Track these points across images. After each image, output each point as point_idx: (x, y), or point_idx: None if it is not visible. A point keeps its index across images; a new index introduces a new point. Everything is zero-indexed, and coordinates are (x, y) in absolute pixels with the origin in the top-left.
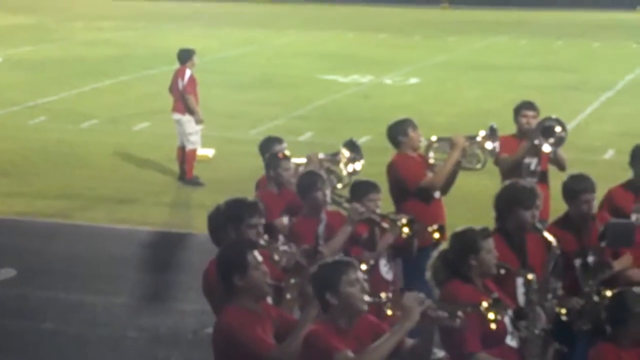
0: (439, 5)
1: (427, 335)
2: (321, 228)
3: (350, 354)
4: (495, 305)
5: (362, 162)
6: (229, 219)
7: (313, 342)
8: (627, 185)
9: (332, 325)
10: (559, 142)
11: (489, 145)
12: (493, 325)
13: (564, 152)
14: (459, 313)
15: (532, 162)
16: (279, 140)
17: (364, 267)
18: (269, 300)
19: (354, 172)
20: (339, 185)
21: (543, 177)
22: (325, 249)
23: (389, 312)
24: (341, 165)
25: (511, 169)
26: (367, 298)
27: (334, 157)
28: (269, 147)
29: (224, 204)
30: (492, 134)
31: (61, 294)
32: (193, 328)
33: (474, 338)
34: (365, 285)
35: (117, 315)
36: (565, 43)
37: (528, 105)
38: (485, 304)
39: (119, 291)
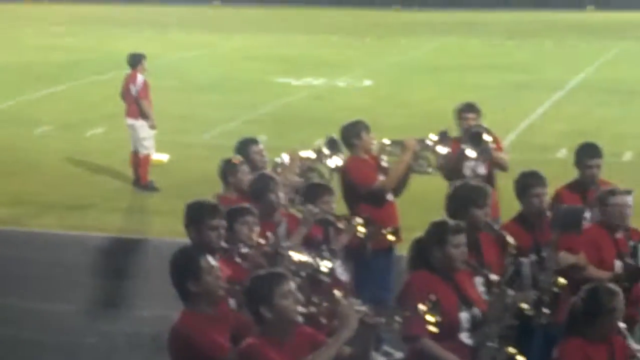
0: (391, 8)
1: (364, 341)
2: (282, 230)
3: None
4: (433, 309)
5: (342, 156)
6: (190, 221)
7: (250, 356)
8: (573, 186)
9: (268, 339)
10: (485, 150)
11: (441, 149)
12: (433, 329)
13: (505, 154)
14: (397, 318)
15: (475, 165)
16: (254, 141)
17: (329, 264)
18: (232, 302)
19: (337, 167)
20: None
21: (488, 180)
22: (284, 251)
23: (324, 321)
24: (324, 162)
25: (451, 173)
26: (300, 309)
27: (317, 155)
28: (245, 148)
29: (185, 208)
30: (443, 138)
31: (15, 301)
32: (151, 334)
33: (421, 323)
34: (299, 296)
35: (73, 322)
36: (516, 43)
37: (467, 107)
38: (423, 307)
39: (74, 298)
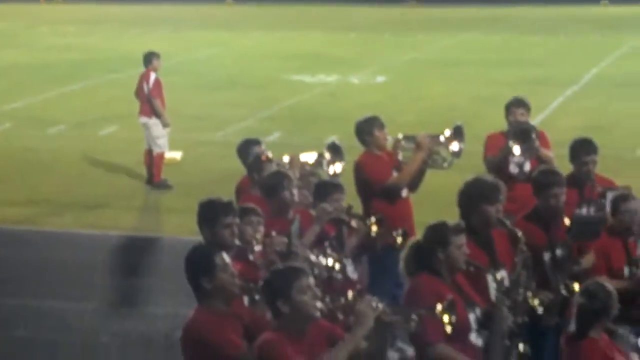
0: (407, 3)
1: (380, 338)
2: (295, 227)
3: None
4: (449, 308)
5: (342, 163)
6: (203, 220)
7: (267, 352)
8: (569, 180)
9: (285, 333)
10: (531, 147)
11: (455, 146)
12: (448, 328)
13: (549, 151)
14: (414, 316)
15: (521, 161)
16: (257, 142)
17: (337, 266)
18: (245, 300)
19: (335, 174)
20: None
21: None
22: (298, 248)
23: (341, 317)
24: (324, 167)
25: (495, 168)
26: (319, 304)
27: (317, 160)
28: (247, 149)
29: (199, 207)
30: (457, 133)
31: (31, 301)
32: (165, 332)
33: (435, 330)
34: (317, 291)
35: (88, 320)
36: (530, 38)
37: (518, 102)
38: (439, 307)
39: (89, 296)
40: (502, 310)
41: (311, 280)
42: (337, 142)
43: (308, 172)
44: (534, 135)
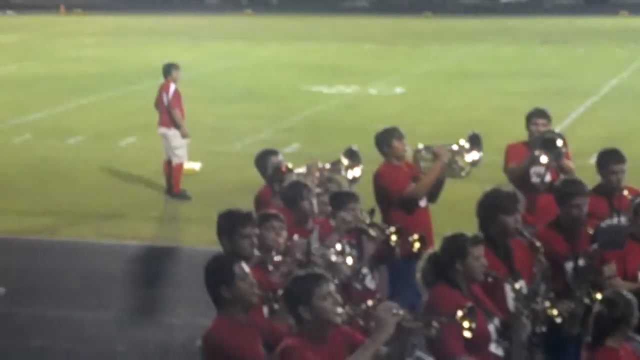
0: (421, 15)
1: (400, 345)
2: (314, 237)
3: None
4: (469, 314)
5: (361, 167)
6: (223, 231)
7: (289, 356)
8: (598, 190)
9: (306, 340)
10: (558, 156)
11: (473, 155)
12: (467, 334)
13: (571, 162)
14: (434, 323)
15: (541, 171)
16: (274, 152)
17: (357, 266)
18: (265, 310)
19: (354, 178)
20: None
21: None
22: (316, 258)
23: (362, 323)
24: (342, 173)
25: (518, 178)
26: (340, 310)
27: (334, 166)
28: (265, 159)
29: (218, 218)
30: (474, 141)
31: (49, 311)
32: (182, 342)
33: (457, 342)
34: (339, 297)
35: (106, 330)
36: (549, 49)
37: (539, 113)
38: (460, 313)
39: (107, 306)
40: (520, 320)
41: (332, 286)
42: (354, 147)
43: (326, 179)
44: (560, 144)
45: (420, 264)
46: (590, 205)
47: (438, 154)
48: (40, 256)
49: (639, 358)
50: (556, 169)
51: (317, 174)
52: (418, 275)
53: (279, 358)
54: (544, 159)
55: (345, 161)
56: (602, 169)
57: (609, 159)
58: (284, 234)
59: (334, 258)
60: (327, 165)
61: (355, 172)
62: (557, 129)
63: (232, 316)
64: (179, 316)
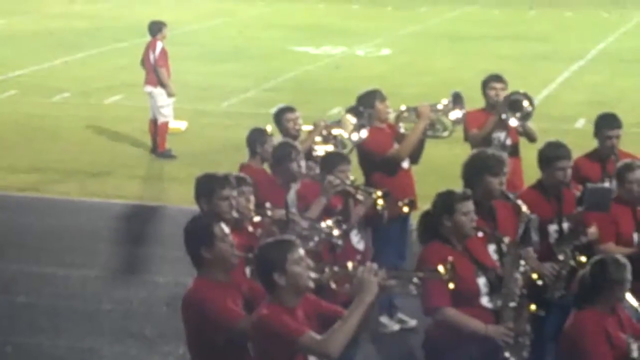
0: None
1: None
2: (291, 195)
3: (314, 334)
4: (451, 269)
5: (368, 128)
6: (201, 194)
7: (269, 328)
8: (593, 155)
9: (280, 306)
10: (526, 116)
11: (456, 113)
12: (451, 286)
13: (533, 124)
14: (414, 279)
15: (501, 136)
16: (290, 109)
17: (336, 232)
18: (247, 271)
19: (359, 139)
20: (345, 151)
21: (514, 150)
22: (301, 220)
23: (334, 286)
24: (349, 134)
25: (480, 143)
26: (312, 275)
27: (339, 124)
28: (280, 115)
29: (196, 181)
30: (456, 100)
31: (34, 267)
32: (166, 300)
33: (440, 294)
34: (309, 262)
35: (90, 288)
36: (537, 13)
37: (496, 77)
38: (441, 269)
39: (92, 264)
40: (510, 274)
41: (302, 251)
42: (362, 108)
43: (330, 135)
44: (526, 103)
45: (408, 225)
46: (584, 170)
47: (421, 114)
48: (24, 213)
49: (634, 324)
50: (519, 131)
51: (324, 132)
52: (414, 234)
53: (255, 328)
54: (513, 121)
55: (352, 120)
56: (597, 134)
57: (604, 124)
58: (252, 198)
59: (305, 224)
60: (333, 124)
61: (362, 133)
62: (543, 93)
63: (212, 276)
64: (163, 274)
